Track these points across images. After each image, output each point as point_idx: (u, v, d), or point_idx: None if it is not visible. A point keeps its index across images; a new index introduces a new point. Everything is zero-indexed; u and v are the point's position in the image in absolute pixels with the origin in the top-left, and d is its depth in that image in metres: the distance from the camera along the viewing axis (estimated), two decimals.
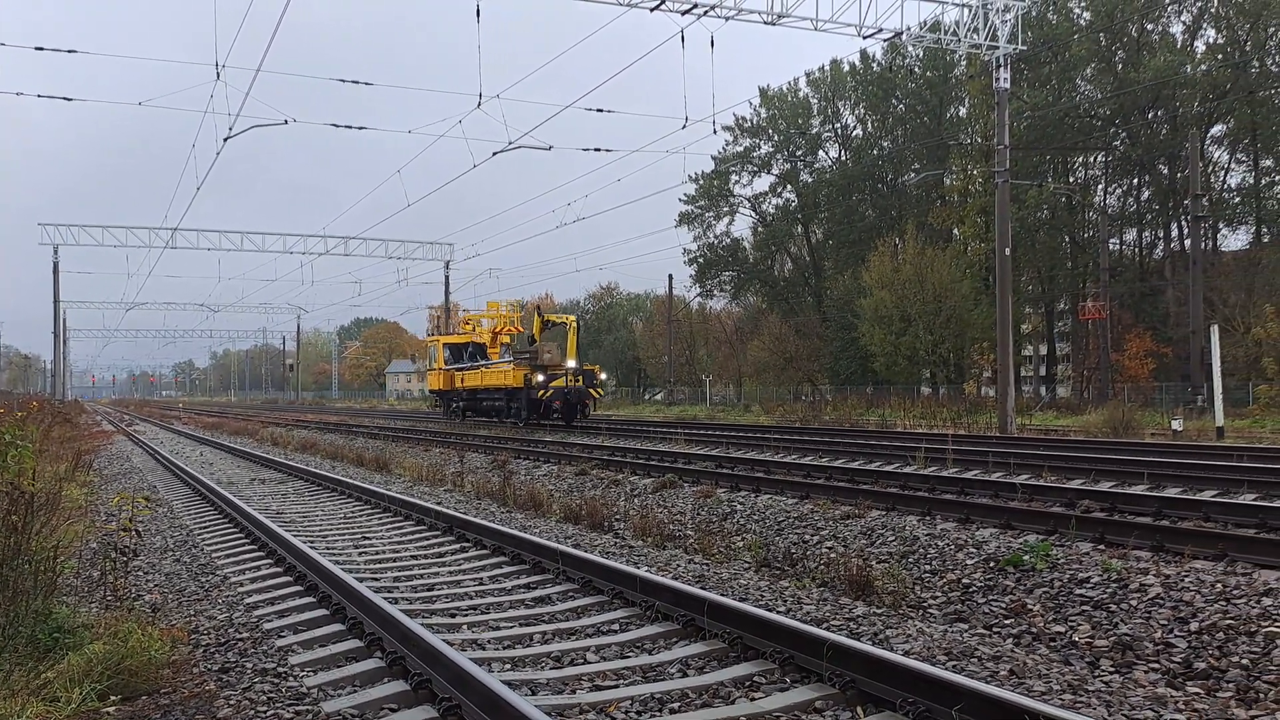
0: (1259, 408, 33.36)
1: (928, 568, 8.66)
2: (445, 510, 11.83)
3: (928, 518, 10.84)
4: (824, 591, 8.09)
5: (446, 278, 66.55)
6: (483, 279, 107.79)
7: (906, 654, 5.96)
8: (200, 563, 9.76)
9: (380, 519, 12.68)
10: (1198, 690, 5.62)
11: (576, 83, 27.99)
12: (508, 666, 5.95)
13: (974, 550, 8.74)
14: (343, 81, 56.57)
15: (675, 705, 5.17)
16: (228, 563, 9.77)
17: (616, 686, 5.51)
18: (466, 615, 7.32)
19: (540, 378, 33.24)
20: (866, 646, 5.70)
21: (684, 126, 26.29)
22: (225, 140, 26.15)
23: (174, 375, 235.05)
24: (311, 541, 10.59)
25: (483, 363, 39.31)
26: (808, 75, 66.62)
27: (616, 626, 6.84)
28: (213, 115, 45.10)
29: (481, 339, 42.44)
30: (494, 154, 28.20)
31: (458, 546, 10.26)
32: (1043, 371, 64.63)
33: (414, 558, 9.83)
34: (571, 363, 33.82)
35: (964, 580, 8.08)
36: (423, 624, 6.55)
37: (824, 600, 7.62)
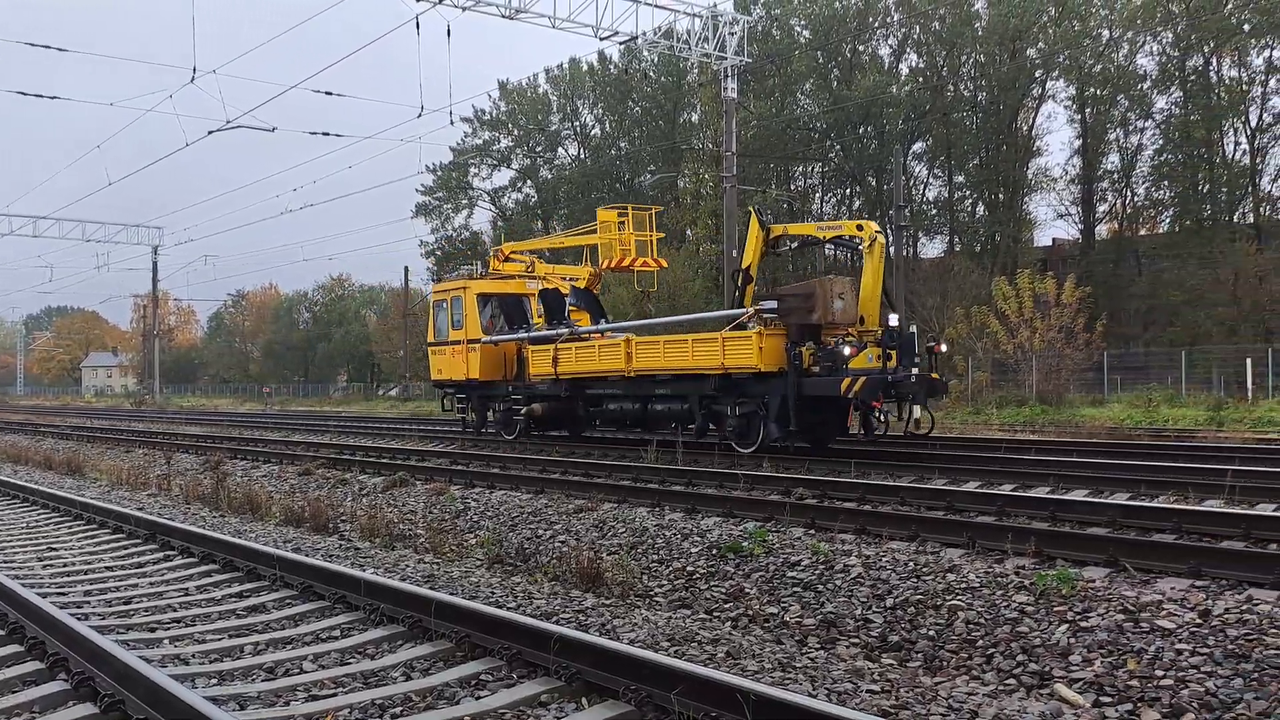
0: (950, 401, 36.95)
1: (655, 557, 8.89)
2: (147, 516, 10.88)
3: (657, 509, 11.16)
4: (555, 585, 8.12)
5: (155, 264, 61.64)
6: (196, 266, 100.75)
7: (632, 642, 6.07)
8: None
9: (71, 528, 11.47)
10: (891, 661, 6.10)
11: (304, 62, 26.65)
12: (214, 681, 5.53)
13: (699, 539, 9.07)
14: (32, 45, 50.89)
15: (398, 710, 4.99)
16: None
17: (335, 694, 5.26)
18: (169, 629, 6.74)
19: (820, 352, 15.61)
20: (592, 638, 5.77)
21: (419, 115, 25.68)
22: None
23: None
24: None
25: (606, 330, 20.08)
26: (547, 72, 67.11)
27: (338, 632, 6.53)
28: None
29: (550, 284, 22.46)
30: (210, 133, 26.33)
31: (161, 555, 9.46)
32: None
33: (110, 569, 8.96)
34: (894, 318, 16.14)
35: (689, 568, 8.36)
36: (116, 640, 5.96)
37: (555, 594, 7.65)
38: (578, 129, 68.90)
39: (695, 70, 53.93)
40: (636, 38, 27.70)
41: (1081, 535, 8.63)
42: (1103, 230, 48.61)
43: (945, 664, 5.99)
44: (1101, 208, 48.41)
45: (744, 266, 17.79)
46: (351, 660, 5.92)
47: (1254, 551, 7.70)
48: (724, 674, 5.02)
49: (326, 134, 29.72)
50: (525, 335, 20.94)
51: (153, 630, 6.68)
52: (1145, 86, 45.58)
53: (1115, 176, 47.25)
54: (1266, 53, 42.30)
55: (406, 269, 68.79)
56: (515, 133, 68.49)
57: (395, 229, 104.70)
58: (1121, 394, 29.89)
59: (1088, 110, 47.44)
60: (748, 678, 5.26)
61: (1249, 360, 28.56)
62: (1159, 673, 5.34)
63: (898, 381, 15.32)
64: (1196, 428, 21.58)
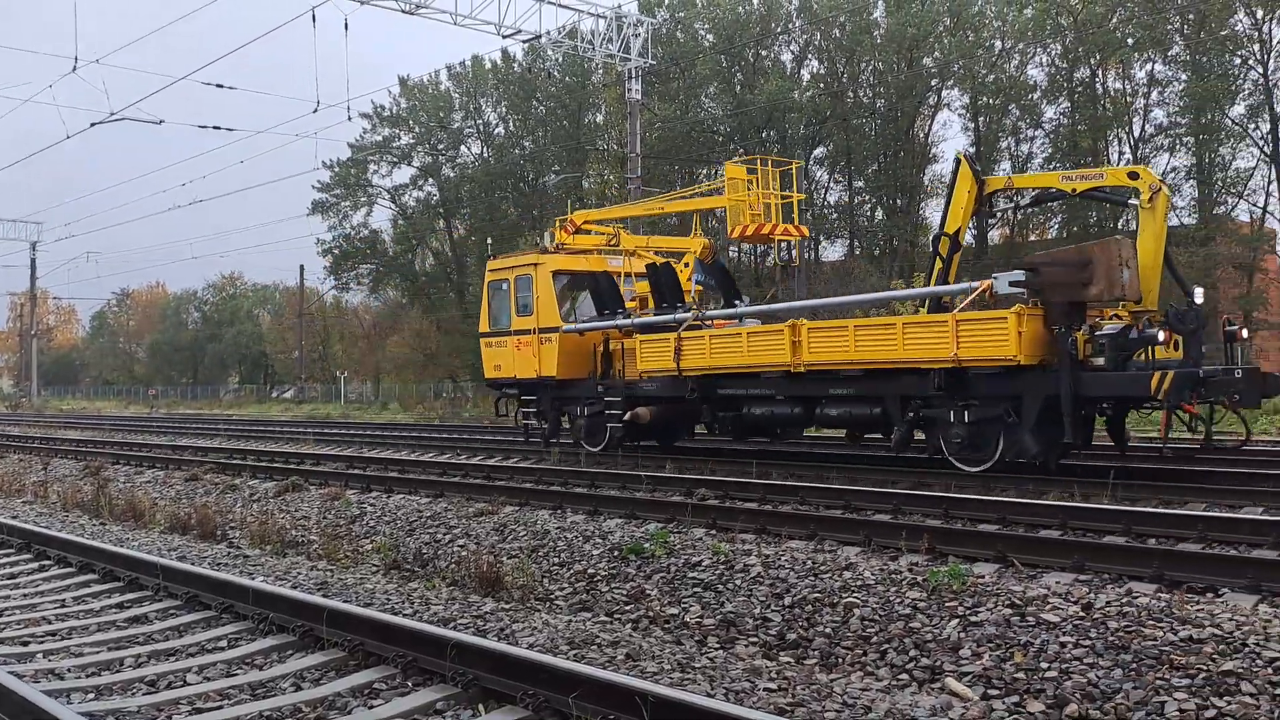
0: None
1: (557, 560, 8.82)
2: (20, 525, 10.36)
3: (560, 511, 11.08)
4: (454, 590, 7.99)
5: (33, 261, 58.88)
6: (78, 263, 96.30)
7: (531, 647, 6.01)
8: None
9: None
10: (789, 659, 6.15)
11: (194, 53, 25.82)
12: (91, 696, 5.27)
13: (600, 541, 9.03)
14: None
15: None
16: None
17: (220, 707, 5.07)
18: (43, 642, 6.41)
19: (1106, 338, 11.98)
20: (490, 643, 5.69)
21: (315, 110, 25.10)
22: None
23: None
24: None
25: (747, 313, 16.59)
26: (449, 69, 66.26)
27: (225, 643, 6.31)
28: None
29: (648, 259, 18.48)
30: (92, 124, 25.26)
31: (36, 566, 9.00)
32: None
33: None
34: (1199, 293, 12.83)
35: (590, 570, 8.31)
36: None
37: (453, 599, 7.52)
38: (481, 127, 68.20)
39: (600, 71, 54.02)
40: (540, 37, 27.57)
41: (973, 532, 8.87)
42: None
43: (841, 660, 6.08)
44: (732, 248, 50.29)
45: (950, 231, 14.22)
46: (238, 671, 5.72)
47: (1134, 546, 8.00)
48: (622, 676, 5.00)
49: (217, 128, 28.78)
50: (632, 322, 16.79)
51: (25, 644, 6.35)
52: (1035, 96, 47.21)
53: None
54: (1149, 66, 44.25)
55: (302, 267, 67.31)
56: (416, 130, 67.42)
57: (291, 227, 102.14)
58: None
59: (981, 119, 48.96)
60: (646, 679, 5.25)
61: None
62: (1044, 665, 5.50)
63: (1214, 378, 11.53)
64: None
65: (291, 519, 11.85)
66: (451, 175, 68.31)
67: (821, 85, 53.99)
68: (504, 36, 26.61)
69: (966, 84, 48.53)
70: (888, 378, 13.20)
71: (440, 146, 67.74)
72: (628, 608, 7.43)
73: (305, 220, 79.31)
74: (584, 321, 17.78)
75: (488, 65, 64.70)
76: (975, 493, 11.09)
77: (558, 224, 20.25)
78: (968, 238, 16.27)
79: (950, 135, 56.54)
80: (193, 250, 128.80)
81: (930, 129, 51.20)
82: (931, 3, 48.61)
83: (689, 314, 16.03)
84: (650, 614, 7.19)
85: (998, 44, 48.52)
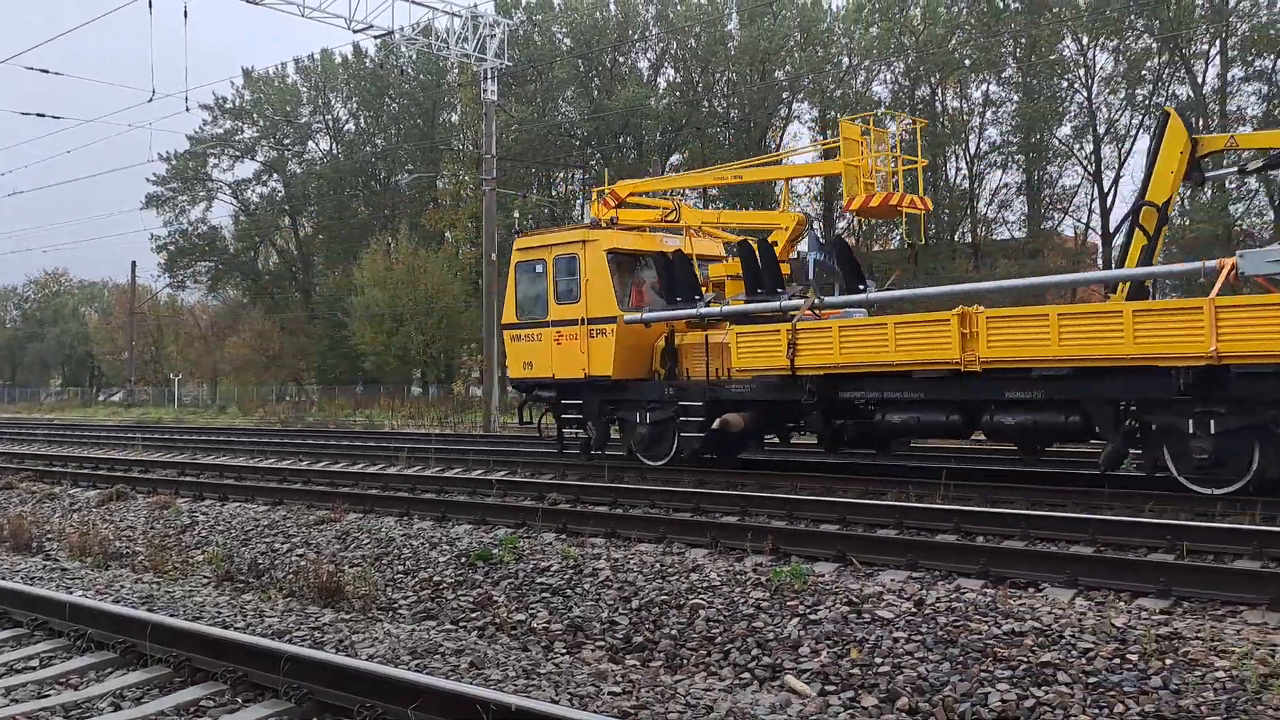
0: None
1: (402, 568, 8.61)
2: None
3: (406, 518, 10.85)
4: (291, 602, 7.70)
5: None
6: None
7: (371, 658, 5.84)
8: None
9: None
10: (635, 662, 6.17)
11: (14, 37, 24.13)
12: None
13: (448, 547, 8.86)
14: None
15: None
16: None
17: None
18: None
19: None
20: (327, 655, 5.51)
21: (150, 100, 23.85)
22: None
23: None
24: None
25: (878, 299, 14.03)
26: (297, 62, 64.10)
27: (36, 662, 5.90)
28: None
29: (714, 235, 17.15)
30: None
31: None
32: None
33: None
34: None
35: (436, 578, 8.14)
36: None
37: (290, 611, 7.24)
38: (330, 123, 66.25)
39: (455, 70, 53.29)
40: (393, 33, 26.96)
41: (815, 532, 9.13)
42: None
43: (686, 661, 6.13)
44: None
45: (1157, 200, 12.29)
46: (51, 692, 5.35)
47: (963, 544, 8.39)
48: (464, 685, 4.91)
49: (41, 115, 26.95)
50: (724, 310, 14.40)
51: None
52: (881, 112, 49.23)
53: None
54: (984, 86, 46.76)
55: (134, 264, 63.44)
56: (261, 123, 64.92)
57: (122, 221, 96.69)
58: None
59: (829, 132, 50.67)
60: (490, 687, 5.17)
61: None
62: (878, 660, 5.68)
63: None
64: None
65: (116, 529, 11.18)
66: (298, 171, 66.08)
67: (678, 93, 54.78)
68: (355, 31, 25.91)
69: (816, 98, 50.16)
70: (1100, 378, 10.82)
71: (286, 141, 65.45)
72: (474, 615, 7.31)
73: (139, 214, 75.09)
74: (653, 310, 14.94)
75: (338, 60, 62.93)
76: (819, 494, 11.42)
77: (594, 196, 17.29)
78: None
79: (801, 146, 57.98)
80: (12, 244, 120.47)
81: (782, 140, 52.68)
82: (783, 18, 50.05)
83: (799, 301, 13.56)
84: (497, 621, 7.10)
85: (845, 60, 50.36)
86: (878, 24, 48.43)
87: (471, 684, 5.14)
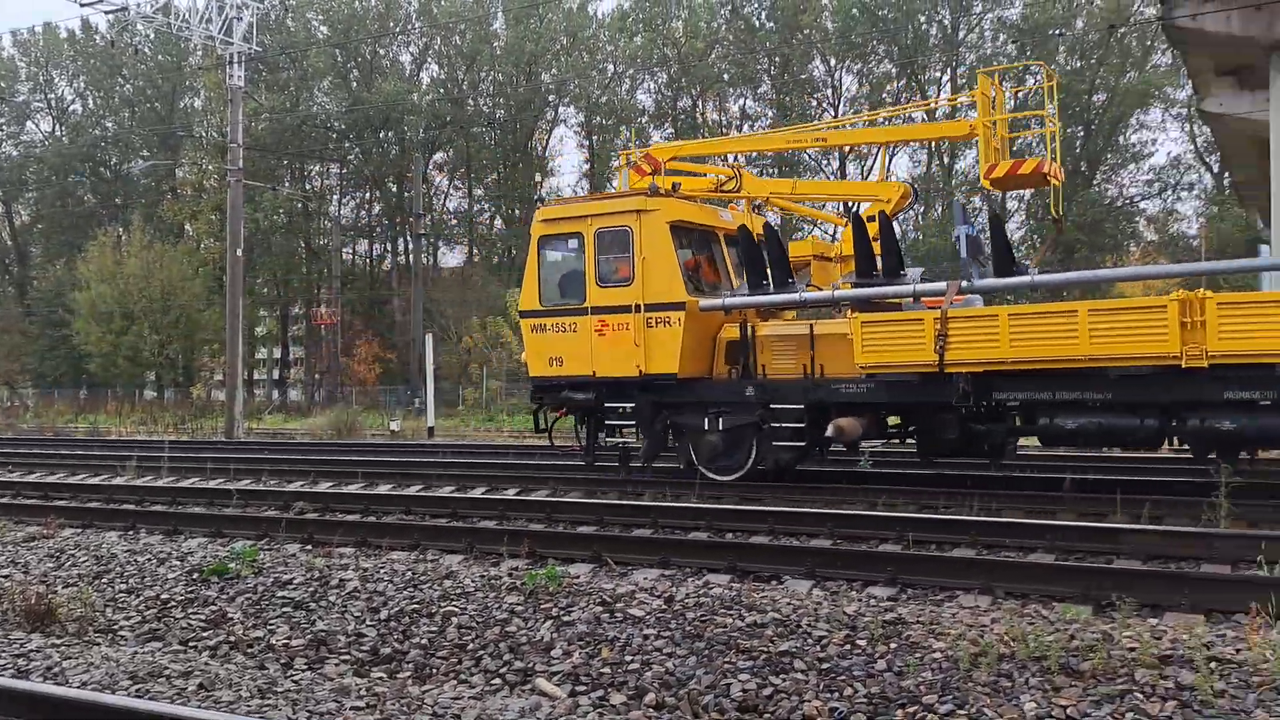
0: (466, 408, 37.79)
1: (124, 586, 7.90)
2: None
3: (131, 532, 10.03)
4: None
5: None
6: None
7: (85, 685, 5.33)
8: None
9: None
10: (381, 675, 5.94)
11: None
12: None
13: (178, 563, 8.22)
14: None
15: None
16: None
17: None
18: None
19: None
20: (30, 684, 5.02)
21: None
22: None
23: None
24: None
25: (1043, 282, 12.28)
26: (14, 35, 58.16)
27: None
28: None
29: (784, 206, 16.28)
30: None
31: None
32: (276, 375, 65.20)
33: None
34: None
35: (163, 596, 7.53)
36: None
37: None
38: (53, 102, 60.54)
39: (199, 53, 50.01)
40: (127, 8, 24.92)
41: (571, 534, 9.16)
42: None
43: (436, 671, 5.96)
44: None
45: None
46: None
47: (713, 541, 8.66)
48: (190, 710, 4.56)
49: None
50: (844, 294, 12.46)
51: None
52: (644, 120, 50.40)
53: None
54: (741, 101, 48.92)
55: None
56: None
57: None
58: None
59: (595, 137, 51.39)
60: (220, 709, 4.82)
61: None
62: (628, 658, 5.74)
63: None
64: None
65: None
66: (14, 154, 59.91)
67: (441, 90, 53.90)
68: (82, 4, 23.74)
69: (581, 103, 50.75)
70: None
71: (1, 121, 59.20)
72: (206, 634, 6.81)
73: None
74: (739, 294, 12.83)
75: (63, 34, 57.60)
76: (577, 498, 11.50)
77: (624, 160, 14.74)
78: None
79: (566, 150, 58.68)
80: None
81: (548, 143, 53.00)
82: (550, 21, 50.31)
83: (939, 285, 11.75)
84: (232, 639, 6.64)
85: (610, 67, 51.27)
86: (641, 34, 49.62)
87: (199, 707, 4.77)
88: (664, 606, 6.39)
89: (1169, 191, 44.72)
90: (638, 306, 12.48)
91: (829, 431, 11.50)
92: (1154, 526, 8.48)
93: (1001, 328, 10.69)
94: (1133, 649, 5.15)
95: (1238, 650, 5.14)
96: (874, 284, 12.02)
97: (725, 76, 47.68)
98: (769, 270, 12.53)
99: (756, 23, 48.25)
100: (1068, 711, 4.67)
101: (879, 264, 12.17)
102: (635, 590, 6.76)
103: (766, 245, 12.80)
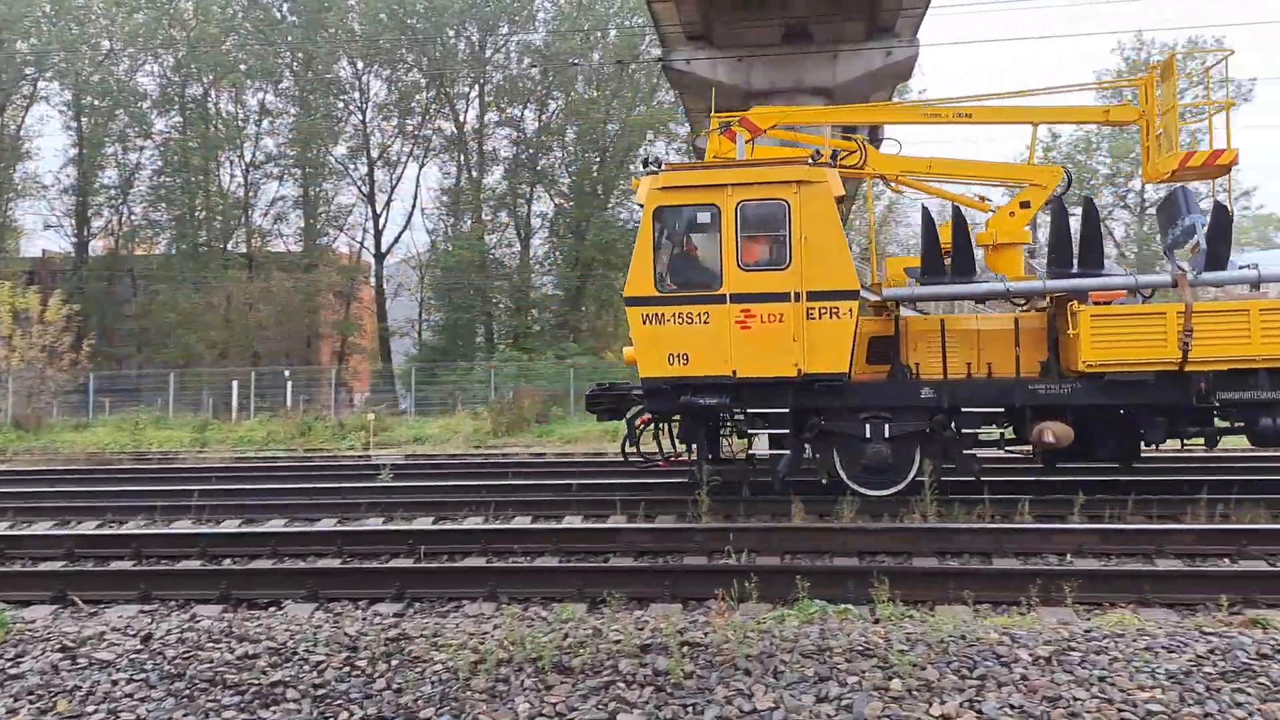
0: None
1: None
2: None
3: None
4: None
5: None
6: None
7: None
8: None
9: None
10: None
11: None
12: None
13: None
14: None
15: None
16: None
17: None
18: None
19: None
20: None
21: None
22: None
23: None
24: None
25: None
26: None
27: None
28: None
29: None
30: None
31: None
32: None
33: None
34: None
35: None
36: None
37: None
38: None
39: None
40: None
41: (33, 572, 7.91)
42: (97, 246, 46.91)
43: None
44: (97, 222, 46.75)
45: None
46: None
47: (204, 570, 7.92)
48: None
49: None
50: (1059, 285, 10.78)
51: None
52: (146, 105, 45.54)
53: (113, 192, 46.01)
54: (261, 95, 46.05)
55: None
56: None
57: None
58: (110, 417, 28.93)
59: (85, 119, 45.51)
60: None
61: (235, 382, 30.32)
62: (91, 709, 5.02)
63: None
64: (181, 449, 22.02)
65: None
66: None
67: None
68: None
69: (69, 80, 44.68)
70: None
71: None
72: None
73: None
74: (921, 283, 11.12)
75: None
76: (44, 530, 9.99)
77: (717, 129, 12.44)
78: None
79: (49, 131, 50.87)
80: None
81: (24, 122, 45.83)
82: None
83: (1162, 277, 10.76)
84: None
85: (106, 43, 45.75)
86: (144, 10, 44.98)
87: None
88: (139, 646, 5.72)
89: None
90: (797, 295, 10.63)
91: (1044, 437, 10.50)
92: (645, 525, 9.22)
93: (1253, 323, 10.11)
94: (618, 641, 5.50)
95: (706, 634, 5.69)
96: (1081, 274, 11.00)
97: (243, 67, 44.64)
98: (939, 257, 11.28)
99: (278, 14, 45.91)
100: (557, 708, 4.85)
101: (951, 261, 11.29)
102: (106, 630, 6.00)
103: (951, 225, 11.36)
